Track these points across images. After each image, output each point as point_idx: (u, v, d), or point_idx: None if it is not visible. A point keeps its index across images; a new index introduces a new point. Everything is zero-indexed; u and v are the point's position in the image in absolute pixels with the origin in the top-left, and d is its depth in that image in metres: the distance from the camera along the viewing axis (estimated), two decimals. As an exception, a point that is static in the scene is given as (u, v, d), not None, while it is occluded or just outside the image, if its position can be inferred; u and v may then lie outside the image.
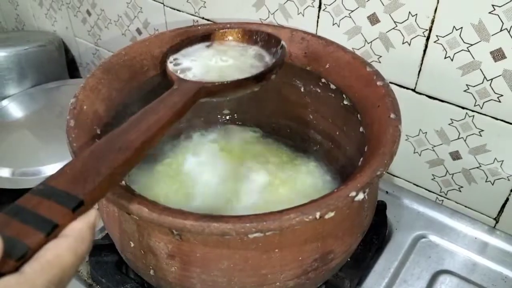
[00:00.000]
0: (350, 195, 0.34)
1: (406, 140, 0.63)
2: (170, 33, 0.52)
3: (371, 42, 0.59)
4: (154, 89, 0.50)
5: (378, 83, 0.45)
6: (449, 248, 0.55)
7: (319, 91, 0.53)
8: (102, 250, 0.50)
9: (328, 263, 0.40)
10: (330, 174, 0.57)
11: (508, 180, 0.57)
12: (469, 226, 0.58)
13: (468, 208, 0.63)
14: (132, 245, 0.39)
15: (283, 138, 0.61)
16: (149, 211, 0.33)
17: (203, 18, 0.73)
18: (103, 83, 0.45)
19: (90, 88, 0.44)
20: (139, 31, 0.84)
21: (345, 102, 0.49)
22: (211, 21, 0.72)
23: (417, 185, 0.66)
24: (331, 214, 0.34)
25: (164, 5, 0.77)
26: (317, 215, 0.33)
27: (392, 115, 0.41)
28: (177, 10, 0.76)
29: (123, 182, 0.36)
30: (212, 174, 0.54)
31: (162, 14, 0.79)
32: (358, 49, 0.60)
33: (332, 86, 0.50)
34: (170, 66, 0.47)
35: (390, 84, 0.58)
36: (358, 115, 0.46)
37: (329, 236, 0.38)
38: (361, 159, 0.40)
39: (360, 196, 0.35)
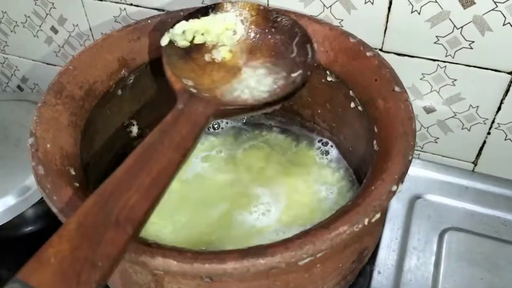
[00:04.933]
0: (392, 189, 0.31)
1: (376, 101, 0.61)
2: (118, 33, 0.44)
3: (330, 6, 0.54)
4: (114, 102, 0.43)
5: (368, 53, 0.41)
6: (444, 203, 0.55)
7: (294, 70, 0.48)
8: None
9: (363, 260, 0.37)
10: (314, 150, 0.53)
11: (484, 123, 0.57)
12: (455, 176, 0.58)
13: (446, 157, 0.63)
14: (148, 295, 0.33)
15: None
16: (178, 263, 0.27)
17: (131, 4, 0.64)
18: (59, 110, 0.37)
19: (47, 120, 0.36)
20: (54, 30, 0.73)
21: (329, 79, 0.45)
22: (141, 7, 0.64)
23: (392, 144, 0.64)
24: (378, 216, 0.30)
25: (81, -3, 0.67)
26: (366, 221, 0.29)
27: (397, 88, 0.38)
28: (98, -1, 0.66)
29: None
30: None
31: (80, 7, 0.69)
32: (317, 15, 0.56)
33: (312, 64, 0.46)
34: (169, 68, 0.39)
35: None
36: (350, 92, 0.43)
37: (365, 234, 0.35)
38: (374, 142, 0.37)
39: (400, 187, 0.31)
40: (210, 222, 0.44)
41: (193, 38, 0.42)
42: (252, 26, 0.43)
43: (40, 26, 0.74)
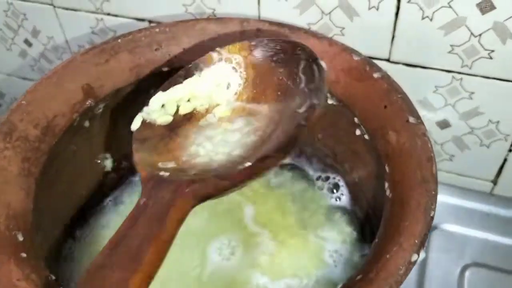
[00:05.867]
0: (412, 260, 0.25)
1: (383, 116, 0.54)
2: (82, 57, 0.38)
3: (329, 13, 0.48)
4: (81, 135, 0.37)
5: (375, 75, 0.35)
6: (464, 233, 0.49)
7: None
8: None
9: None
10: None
11: (505, 140, 0.51)
12: (475, 201, 0.52)
13: (461, 175, 0.57)
14: None
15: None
16: None
17: (108, 14, 0.58)
18: (8, 157, 0.31)
19: (-9, 171, 0.30)
20: (28, 43, 0.67)
21: (330, 102, 0.39)
22: (120, 16, 0.58)
23: (401, 161, 0.58)
24: (394, 293, 0.24)
25: (54, 7, 0.61)
26: (381, 304, 0.23)
27: (411, 119, 0.32)
28: (72, 9, 0.60)
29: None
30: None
31: (53, 18, 0.62)
32: (315, 24, 0.49)
33: (309, 85, 0.39)
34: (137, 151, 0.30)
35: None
36: (355, 118, 0.36)
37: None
38: (386, 185, 0.31)
39: (422, 255, 0.25)
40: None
41: (178, 108, 0.34)
42: (248, 70, 0.34)
43: (12, 39, 0.68)
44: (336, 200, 0.44)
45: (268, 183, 0.45)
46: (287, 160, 0.47)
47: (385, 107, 0.33)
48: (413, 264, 0.25)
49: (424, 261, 0.46)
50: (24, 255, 0.27)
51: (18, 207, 0.30)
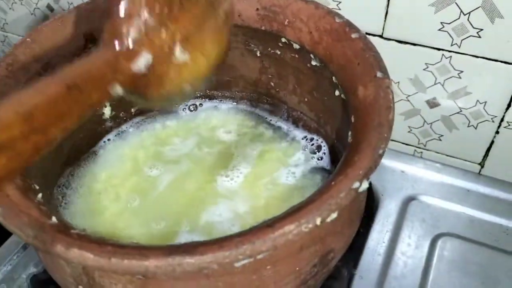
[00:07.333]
0: (353, 187, 0.27)
1: (376, 93, 0.56)
2: (87, 5, 0.41)
3: (326, -13, 0.50)
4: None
5: (353, 35, 0.37)
6: (442, 206, 0.50)
7: (279, 53, 0.45)
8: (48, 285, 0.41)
9: (328, 263, 0.33)
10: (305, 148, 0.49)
11: (493, 121, 0.52)
12: (457, 177, 0.53)
13: (450, 156, 0.58)
14: (82, 288, 0.30)
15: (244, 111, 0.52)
16: (95, 257, 0.24)
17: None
18: (8, 84, 0.35)
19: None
20: (50, 8, 0.71)
21: (313, 63, 0.41)
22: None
23: (392, 140, 0.60)
24: (334, 215, 0.26)
25: (74, -28, 0.64)
26: (318, 221, 0.26)
27: (379, 74, 0.34)
28: (92, -24, 0.63)
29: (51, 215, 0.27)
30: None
31: (74, -17, 0.66)
32: (312, -3, 0.51)
33: (296, 46, 0.42)
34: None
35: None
36: (333, 77, 0.39)
37: (328, 235, 0.31)
38: (350, 133, 0.33)
39: (365, 185, 0.27)
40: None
41: None
42: None
43: (36, 4, 0.72)
44: (319, 159, 0.46)
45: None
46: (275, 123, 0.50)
47: (358, 64, 0.36)
48: (355, 191, 0.27)
49: (399, 228, 0.48)
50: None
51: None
